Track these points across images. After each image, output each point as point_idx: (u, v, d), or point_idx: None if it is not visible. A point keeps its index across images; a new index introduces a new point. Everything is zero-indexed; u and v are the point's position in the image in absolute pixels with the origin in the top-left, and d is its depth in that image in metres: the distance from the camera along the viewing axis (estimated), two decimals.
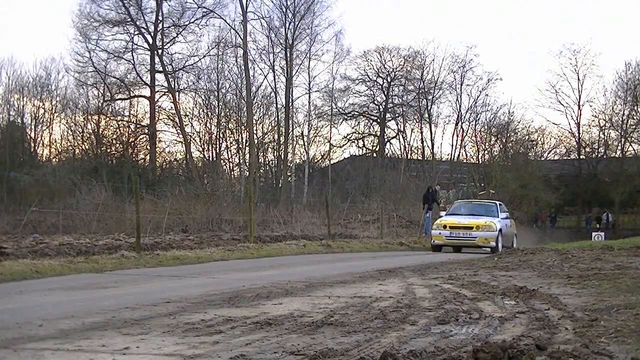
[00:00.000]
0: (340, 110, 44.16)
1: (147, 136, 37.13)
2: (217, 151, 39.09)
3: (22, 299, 6.93)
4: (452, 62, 43.76)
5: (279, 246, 16.31)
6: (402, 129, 45.21)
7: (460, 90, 43.83)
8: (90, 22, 34.52)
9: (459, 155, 44.30)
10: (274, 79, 38.43)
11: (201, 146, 39.44)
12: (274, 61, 38.13)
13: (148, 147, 37.48)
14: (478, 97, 43.66)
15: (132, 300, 6.53)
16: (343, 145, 45.78)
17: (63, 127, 37.00)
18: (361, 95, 45.39)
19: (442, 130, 72.16)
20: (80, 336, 4.63)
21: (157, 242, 14.38)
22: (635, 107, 43.53)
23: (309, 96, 40.03)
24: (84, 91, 36.81)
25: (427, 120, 43.92)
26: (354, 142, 46.30)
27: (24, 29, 60.82)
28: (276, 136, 39.94)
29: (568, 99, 45.20)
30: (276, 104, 38.95)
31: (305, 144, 40.78)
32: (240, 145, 38.60)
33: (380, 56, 44.38)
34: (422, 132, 44.36)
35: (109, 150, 37.73)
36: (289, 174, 39.49)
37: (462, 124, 43.79)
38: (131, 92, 37.02)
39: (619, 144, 44.62)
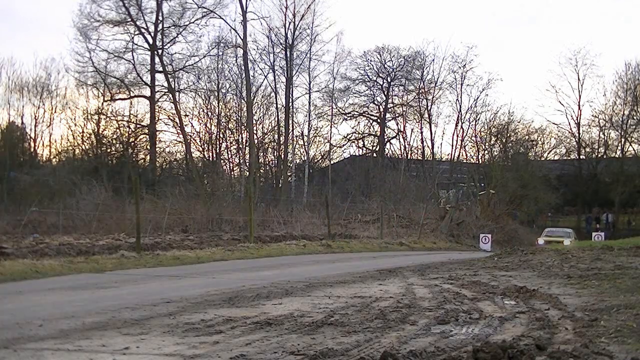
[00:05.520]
0: (340, 110, 44.17)
1: (147, 136, 37.11)
2: (217, 151, 39.08)
3: (22, 299, 6.93)
4: (452, 62, 43.84)
5: (279, 246, 16.30)
6: (402, 129, 45.25)
7: (461, 90, 43.85)
8: (90, 22, 34.55)
9: (459, 155, 44.35)
10: (274, 79, 38.47)
11: (201, 146, 39.47)
12: (274, 61, 38.16)
13: (148, 147, 37.47)
14: (478, 97, 43.68)
15: (132, 300, 6.53)
16: (343, 145, 45.81)
17: (63, 127, 37.05)
18: (361, 95, 45.40)
19: (442, 130, 72.56)
20: (80, 336, 4.63)
21: (157, 242, 14.38)
22: (635, 107, 43.46)
23: (309, 96, 40.03)
24: (84, 91, 36.85)
25: (427, 120, 43.94)
26: (354, 142, 46.30)
27: (24, 29, 60.86)
28: (276, 136, 39.96)
29: (568, 99, 45.23)
30: (276, 104, 38.98)
31: (305, 144, 40.78)
32: (240, 145, 38.58)
33: (380, 56, 44.39)
34: (422, 132, 44.42)
35: (109, 150, 37.71)
36: (289, 174, 39.46)
37: (462, 124, 43.82)
38: (131, 92, 36.99)
39: (619, 144, 44.57)
